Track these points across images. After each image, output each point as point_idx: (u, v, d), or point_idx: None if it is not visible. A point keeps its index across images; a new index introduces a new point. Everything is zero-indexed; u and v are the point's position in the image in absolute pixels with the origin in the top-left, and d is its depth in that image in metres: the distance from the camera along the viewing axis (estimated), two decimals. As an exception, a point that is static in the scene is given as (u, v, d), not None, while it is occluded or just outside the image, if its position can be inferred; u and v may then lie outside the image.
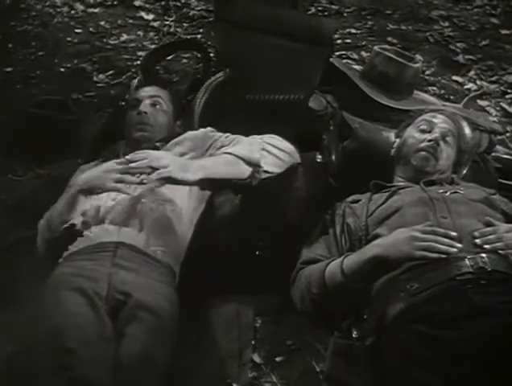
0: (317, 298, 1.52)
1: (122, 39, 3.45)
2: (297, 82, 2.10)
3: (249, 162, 1.79)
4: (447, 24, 3.41)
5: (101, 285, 1.53)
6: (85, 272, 1.56)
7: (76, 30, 3.55)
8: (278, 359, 1.70)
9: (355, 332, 1.49)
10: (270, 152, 1.82)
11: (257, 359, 1.69)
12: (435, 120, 1.82)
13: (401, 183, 1.75)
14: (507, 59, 3.09)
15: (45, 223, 1.81)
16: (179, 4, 3.76)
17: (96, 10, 3.74)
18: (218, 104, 2.14)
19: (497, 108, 2.75)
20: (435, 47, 3.23)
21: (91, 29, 3.56)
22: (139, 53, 3.26)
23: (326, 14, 3.57)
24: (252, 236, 1.83)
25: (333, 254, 1.59)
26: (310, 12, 3.55)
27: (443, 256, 1.36)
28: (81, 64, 3.23)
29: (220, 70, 2.19)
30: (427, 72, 2.98)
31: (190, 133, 1.99)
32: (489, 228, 1.45)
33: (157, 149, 1.92)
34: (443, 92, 2.85)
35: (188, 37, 3.43)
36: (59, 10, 3.76)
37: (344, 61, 2.87)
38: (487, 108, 2.74)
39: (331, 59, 2.25)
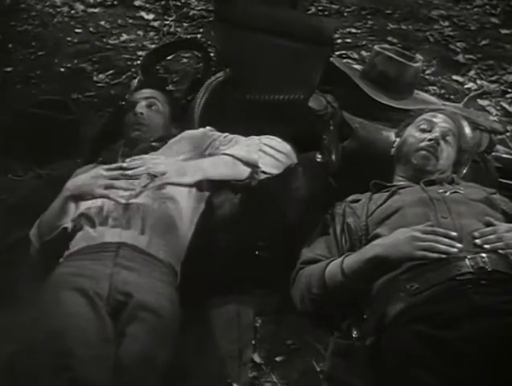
0: (317, 298, 1.52)
1: (122, 38, 3.46)
2: (297, 82, 2.10)
3: (247, 163, 1.79)
4: (447, 24, 3.41)
5: (102, 285, 1.53)
6: (86, 272, 1.57)
7: (76, 30, 3.55)
8: (278, 358, 1.70)
9: (355, 332, 1.49)
10: (268, 153, 1.82)
11: (257, 358, 1.69)
12: (435, 119, 1.82)
13: (401, 183, 1.75)
14: (507, 58, 3.09)
15: (36, 232, 1.80)
16: (179, 4, 3.76)
17: (96, 10, 3.75)
18: (218, 104, 2.13)
19: (498, 108, 2.75)
20: (435, 46, 3.23)
21: (91, 29, 3.56)
22: (139, 53, 3.27)
23: (326, 13, 3.57)
24: (252, 236, 1.83)
25: (333, 254, 1.59)
26: (310, 12, 3.55)
27: (444, 256, 1.36)
28: (81, 64, 3.24)
29: (221, 70, 2.19)
30: (428, 72, 2.98)
31: (188, 132, 1.99)
32: (489, 228, 1.45)
33: (153, 148, 1.93)
34: (443, 91, 2.85)
35: (188, 37, 3.43)
36: (59, 9, 3.76)
37: (345, 61, 2.88)
38: (487, 108, 2.74)
39: (331, 59, 2.25)
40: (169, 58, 2.87)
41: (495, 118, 2.63)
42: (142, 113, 1.98)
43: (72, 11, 3.75)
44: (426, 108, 1.95)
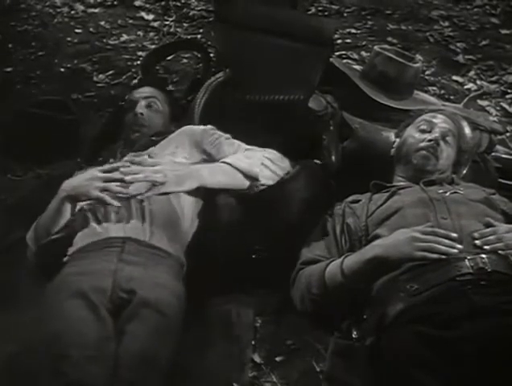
0: (317, 299, 1.52)
1: (122, 39, 3.46)
2: (297, 82, 2.10)
3: (247, 176, 1.78)
4: (447, 24, 3.41)
5: (106, 283, 1.53)
6: (90, 269, 1.57)
7: (76, 31, 3.55)
8: (278, 358, 1.70)
9: (355, 332, 1.49)
10: (268, 167, 1.83)
11: (257, 358, 1.69)
12: (435, 120, 1.82)
13: (401, 183, 1.75)
14: (507, 58, 3.09)
15: (32, 235, 1.79)
16: (179, 4, 3.76)
17: (96, 10, 3.75)
18: (218, 105, 2.13)
19: (498, 108, 2.75)
20: (435, 46, 3.23)
21: (91, 29, 3.56)
22: (139, 53, 3.27)
23: (326, 14, 3.57)
24: (252, 236, 1.83)
25: (333, 254, 1.59)
26: (310, 12, 3.55)
27: (444, 256, 1.36)
28: (81, 64, 3.23)
29: (221, 70, 2.19)
30: (427, 72, 2.98)
31: (189, 127, 1.99)
32: (488, 229, 1.45)
33: (153, 142, 1.92)
34: (443, 92, 2.85)
35: (188, 37, 3.43)
36: (59, 10, 3.76)
37: (345, 61, 2.87)
38: (487, 108, 2.74)
39: (331, 59, 2.25)
40: (169, 58, 2.88)
41: (495, 119, 2.62)
42: (142, 114, 1.99)
43: (72, 11, 3.75)
44: (426, 109, 1.95)
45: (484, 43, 3.23)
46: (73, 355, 1.37)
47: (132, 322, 1.47)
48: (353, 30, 3.36)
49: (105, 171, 1.74)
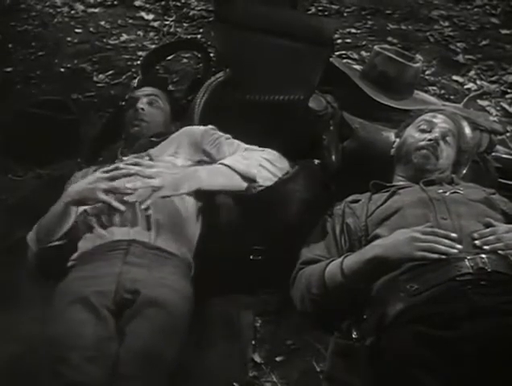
0: (317, 299, 1.52)
1: (122, 38, 3.46)
2: (297, 82, 2.10)
3: (245, 177, 1.76)
4: (447, 24, 3.41)
5: (109, 287, 1.54)
6: (95, 274, 1.59)
7: (76, 30, 3.55)
8: (278, 358, 1.70)
9: (355, 332, 1.49)
10: (266, 168, 1.81)
11: (257, 358, 1.69)
12: (435, 120, 1.82)
13: (401, 183, 1.75)
14: (507, 58, 3.09)
15: (34, 236, 1.78)
16: (179, 4, 3.76)
17: (96, 10, 3.75)
18: (218, 105, 2.13)
19: (498, 108, 2.75)
20: (435, 46, 3.23)
21: (91, 29, 3.56)
22: (139, 53, 3.27)
23: (326, 13, 3.57)
24: (251, 237, 1.83)
25: (333, 254, 1.59)
26: (310, 12, 3.55)
27: (444, 256, 1.36)
28: (81, 64, 3.24)
29: (221, 70, 2.19)
30: (427, 72, 2.98)
31: (189, 128, 1.99)
32: (488, 229, 1.44)
33: (153, 143, 1.92)
34: (443, 91, 2.85)
35: (188, 37, 3.43)
36: (59, 10, 3.77)
37: (345, 61, 2.87)
38: (487, 108, 2.74)
39: (331, 59, 2.25)
40: (169, 58, 2.88)
41: (495, 118, 2.62)
42: (143, 109, 1.99)
43: (72, 11, 3.75)
44: (426, 109, 1.95)
45: (484, 42, 3.23)
46: (73, 358, 1.38)
47: (134, 321, 1.47)
48: (353, 30, 3.36)
49: (107, 171, 1.73)
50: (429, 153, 1.74)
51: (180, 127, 2.04)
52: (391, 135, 1.97)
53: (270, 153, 1.85)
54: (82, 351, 1.39)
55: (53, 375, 1.38)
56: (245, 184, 1.77)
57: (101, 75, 3.14)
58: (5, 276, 1.78)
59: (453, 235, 1.40)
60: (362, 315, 1.49)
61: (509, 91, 2.87)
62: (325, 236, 1.66)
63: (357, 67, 2.62)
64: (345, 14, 3.56)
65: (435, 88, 2.87)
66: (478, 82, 2.93)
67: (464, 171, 1.88)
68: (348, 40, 3.25)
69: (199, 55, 2.83)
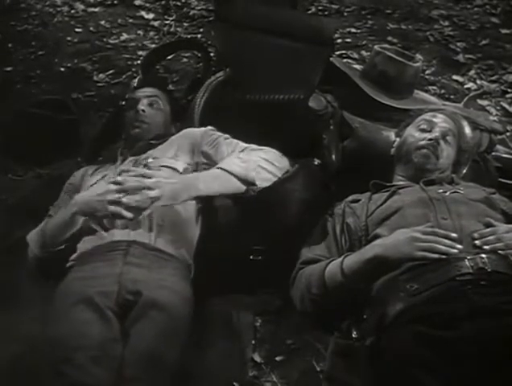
0: (317, 298, 1.52)
1: (122, 38, 3.46)
2: (297, 82, 2.10)
3: (243, 181, 1.72)
4: (447, 23, 3.41)
5: (111, 287, 1.55)
6: (96, 274, 1.59)
7: (76, 30, 3.55)
8: (278, 358, 1.70)
9: (355, 332, 1.49)
10: (265, 168, 1.77)
11: (257, 358, 1.69)
12: (435, 119, 1.82)
13: (401, 183, 1.75)
14: (507, 58, 3.09)
15: (36, 239, 1.77)
16: (179, 3, 3.76)
17: (96, 10, 3.75)
18: (218, 104, 2.13)
19: (498, 108, 2.75)
20: (435, 46, 3.23)
21: (91, 28, 3.56)
22: (139, 52, 3.27)
23: (326, 13, 3.57)
24: (251, 237, 1.83)
25: (333, 254, 1.59)
26: (310, 11, 3.55)
27: (444, 256, 1.36)
28: (81, 64, 3.24)
29: (221, 69, 2.19)
30: (428, 72, 2.98)
31: (190, 130, 1.99)
32: (488, 229, 1.44)
33: (152, 146, 1.92)
34: (443, 91, 2.85)
35: (188, 36, 3.43)
36: (59, 9, 3.76)
37: (345, 60, 2.88)
38: (487, 108, 2.74)
39: (331, 59, 2.25)
40: (169, 57, 2.88)
41: (495, 118, 2.62)
42: (144, 111, 1.99)
43: (72, 11, 3.75)
44: (426, 108, 1.95)
45: (484, 42, 3.23)
46: (77, 358, 1.38)
47: (138, 323, 1.48)
48: (353, 30, 3.36)
49: (116, 183, 1.67)
50: (429, 153, 1.74)
51: (180, 128, 2.04)
52: (391, 135, 1.97)
53: (269, 153, 1.82)
54: (87, 350, 1.39)
55: (57, 375, 1.38)
56: (244, 187, 1.74)
57: (101, 75, 3.14)
58: (5, 276, 1.78)
59: (453, 235, 1.40)
60: (362, 315, 1.49)
61: (509, 90, 2.87)
62: (325, 236, 1.66)
63: (357, 66, 2.62)
64: (345, 14, 3.56)
65: (435, 87, 2.87)
66: (478, 81, 2.93)
67: (465, 171, 1.88)
68: (349, 40, 3.25)
69: (199, 55, 2.83)
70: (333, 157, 1.99)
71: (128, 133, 2.02)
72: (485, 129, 2.05)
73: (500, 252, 1.38)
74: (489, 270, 1.34)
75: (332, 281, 1.48)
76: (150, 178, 1.68)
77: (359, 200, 1.71)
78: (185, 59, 3.16)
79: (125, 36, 3.46)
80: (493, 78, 2.95)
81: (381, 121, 2.08)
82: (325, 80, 2.13)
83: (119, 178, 1.69)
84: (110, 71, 3.15)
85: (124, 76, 3.09)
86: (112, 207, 1.63)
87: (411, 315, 1.31)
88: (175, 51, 2.94)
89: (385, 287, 1.44)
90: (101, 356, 1.40)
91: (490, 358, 1.18)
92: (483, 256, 1.36)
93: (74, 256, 1.71)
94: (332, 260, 1.53)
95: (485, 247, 1.39)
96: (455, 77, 2.96)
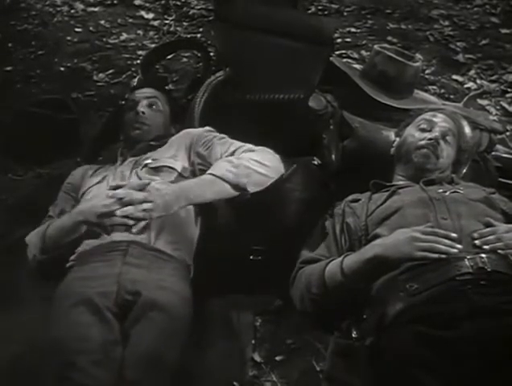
0: (317, 298, 1.51)
1: (122, 38, 3.46)
2: (297, 82, 2.10)
3: (235, 187, 1.67)
4: (447, 23, 3.41)
5: (111, 287, 1.55)
6: (95, 274, 1.59)
7: (76, 30, 3.55)
8: (278, 358, 1.70)
9: (355, 332, 1.49)
10: (257, 171, 1.71)
11: (257, 358, 1.70)
12: (435, 119, 1.82)
13: (401, 182, 1.75)
14: (507, 58, 3.09)
15: (37, 241, 1.75)
16: (179, 3, 3.76)
17: (96, 9, 3.74)
18: (218, 104, 2.13)
19: (497, 108, 2.75)
20: (435, 46, 3.23)
21: (91, 28, 3.56)
22: (139, 52, 3.27)
23: (326, 13, 3.57)
24: (251, 237, 1.83)
25: (333, 254, 1.59)
26: (310, 11, 3.55)
27: (444, 256, 1.36)
28: (81, 63, 3.24)
29: (220, 69, 2.19)
30: (427, 71, 2.98)
31: (188, 130, 1.99)
32: (488, 229, 1.44)
33: (152, 148, 1.92)
34: (443, 91, 2.85)
35: (188, 36, 3.43)
36: (59, 9, 3.76)
37: (344, 60, 2.88)
38: (487, 108, 2.74)
39: (331, 59, 2.25)
40: (169, 57, 2.88)
41: (495, 118, 2.63)
42: (143, 112, 1.99)
43: (72, 10, 3.74)
44: (426, 108, 1.95)
45: (484, 42, 3.23)
46: (79, 361, 1.38)
47: (138, 324, 1.48)
48: (353, 30, 3.36)
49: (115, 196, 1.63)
50: (429, 153, 1.73)
51: (180, 129, 2.04)
52: (391, 134, 1.97)
53: (261, 153, 1.76)
54: (88, 354, 1.40)
55: (59, 378, 1.38)
56: (236, 193, 1.69)
57: (100, 75, 3.14)
58: (5, 276, 1.78)
59: (453, 235, 1.40)
60: (362, 315, 1.49)
61: (509, 90, 2.87)
62: (325, 236, 1.66)
63: (357, 66, 2.62)
64: (345, 14, 3.56)
65: (435, 87, 2.88)
66: (478, 81, 2.93)
67: (464, 171, 1.88)
68: (348, 39, 3.25)
69: (199, 55, 2.83)
70: (333, 156, 1.99)
71: (127, 134, 2.02)
72: (485, 129, 2.05)
73: (500, 251, 1.38)
74: (488, 270, 1.34)
75: (331, 280, 1.48)
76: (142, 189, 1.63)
77: (359, 200, 1.70)
78: (185, 59, 3.16)
79: (124, 36, 3.46)
80: (493, 78, 2.96)
81: (381, 120, 2.08)
82: (325, 79, 2.13)
83: (124, 192, 1.63)
84: (110, 71, 3.15)
85: (124, 76, 3.09)
86: (119, 219, 1.58)
87: (411, 315, 1.31)
88: (175, 51, 2.94)
89: (385, 287, 1.44)
90: (103, 359, 1.40)
91: (490, 358, 1.18)
92: (483, 255, 1.36)
93: (74, 256, 1.71)
94: (332, 260, 1.53)
95: (485, 247, 1.39)
96: (455, 77, 2.97)
